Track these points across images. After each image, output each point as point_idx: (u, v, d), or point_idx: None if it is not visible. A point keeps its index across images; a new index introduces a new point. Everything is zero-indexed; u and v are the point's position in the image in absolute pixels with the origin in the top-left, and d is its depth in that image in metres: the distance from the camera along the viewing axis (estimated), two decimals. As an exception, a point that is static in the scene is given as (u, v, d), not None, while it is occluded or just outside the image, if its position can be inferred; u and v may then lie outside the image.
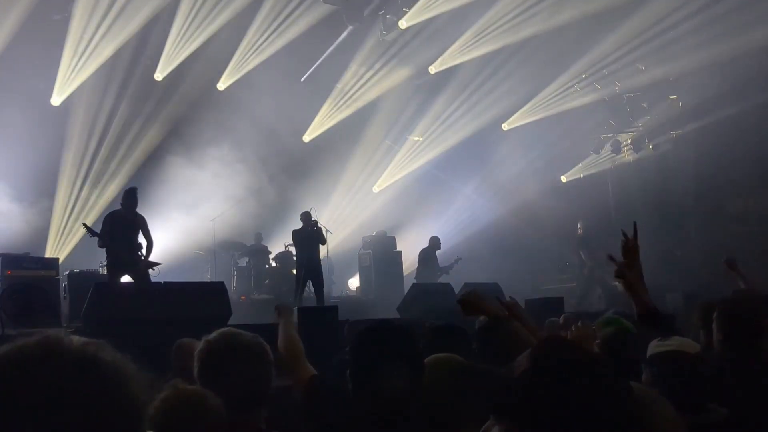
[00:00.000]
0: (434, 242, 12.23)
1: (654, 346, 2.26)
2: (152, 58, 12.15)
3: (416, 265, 12.14)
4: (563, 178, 16.70)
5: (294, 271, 12.42)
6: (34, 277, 8.26)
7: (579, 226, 12.88)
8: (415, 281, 11.42)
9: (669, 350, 2.20)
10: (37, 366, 0.82)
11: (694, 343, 2.31)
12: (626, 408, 1.18)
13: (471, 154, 15.35)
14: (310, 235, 10.17)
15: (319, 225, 10.32)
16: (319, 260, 10.40)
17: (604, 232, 12.23)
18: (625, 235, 2.64)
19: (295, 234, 10.39)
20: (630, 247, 2.62)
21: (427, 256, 12.00)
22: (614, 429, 1.14)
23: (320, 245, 10.37)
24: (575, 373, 1.17)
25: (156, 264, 7.88)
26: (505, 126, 15.46)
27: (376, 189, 15.70)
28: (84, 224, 7.77)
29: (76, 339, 0.87)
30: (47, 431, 0.77)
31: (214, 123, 12.95)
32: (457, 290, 9.00)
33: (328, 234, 11.75)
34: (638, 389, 1.75)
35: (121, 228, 7.63)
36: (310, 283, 10.31)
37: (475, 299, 2.54)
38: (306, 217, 10.31)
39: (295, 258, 12.60)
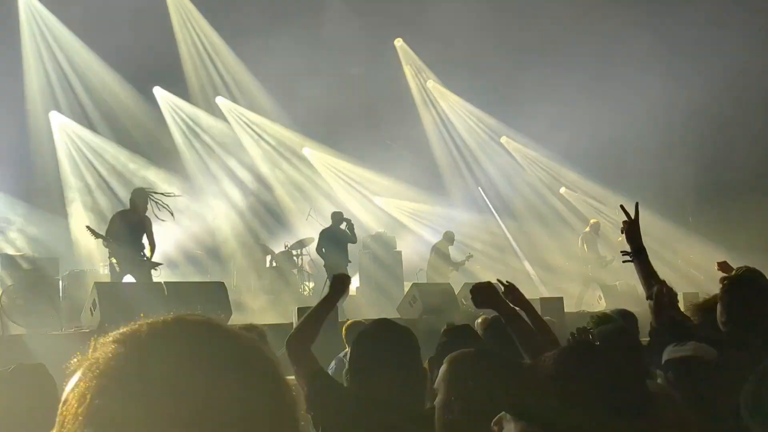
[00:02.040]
0: (448, 236, 12.06)
1: (670, 351, 2.24)
2: (156, 56, 12.15)
3: (428, 258, 11.92)
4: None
5: (295, 271, 12.45)
6: (34, 277, 8.25)
7: (591, 222, 12.89)
8: (418, 274, 11.38)
9: (685, 356, 2.18)
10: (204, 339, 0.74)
11: (711, 349, 2.26)
12: (648, 414, 1.19)
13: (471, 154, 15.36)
14: (338, 235, 9.94)
15: (352, 223, 10.02)
16: (347, 261, 10.10)
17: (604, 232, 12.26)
18: (627, 213, 2.70)
19: (323, 234, 10.14)
20: (631, 227, 2.69)
21: (440, 249, 11.87)
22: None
23: (349, 245, 10.08)
24: (601, 380, 1.18)
25: (158, 264, 7.90)
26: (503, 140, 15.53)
27: (376, 193, 15.68)
28: (88, 227, 7.71)
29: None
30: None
31: (213, 124, 12.96)
32: (457, 290, 9.01)
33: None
34: (657, 390, 1.75)
35: (128, 228, 7.65)
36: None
37: (490, 291, 2.52)
38: (337, 216, 10.09)
39: (294, 256, 12.60)
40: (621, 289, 11.29)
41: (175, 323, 0.76)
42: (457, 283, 9.73)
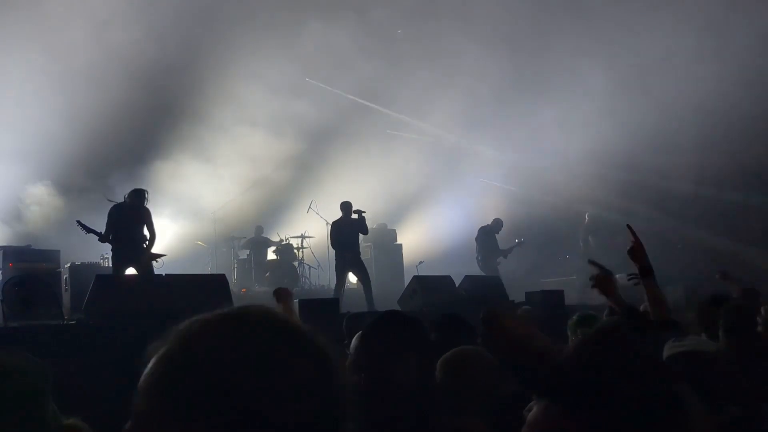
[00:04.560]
0: (497, 223, 11.97)
1: (669, 347, 2.24)
2: (155, 48, 12.12)
3: (476, 246, 11.79)
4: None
5: (296, 264, 12.47)
6: (35, 269, 8.27)
7: (587, 216, 13.01)
8: (419, 266, 11.37)
9: (686, 351, 2.18)
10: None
11: (711, 343, 2.30)
12: (678, 407, 1.19)
13: (471, 151, 15.34)
14: (350, 226, 9.74)
15: (363, 214, 9.74)
16: (359, 252, 9.96)
17: (606, 227, 12.26)
18: (633, 233, 2.72)
19: (334, 225, 9.94)
20: (637, 248, 2.70)
21: (489, 235, 11.75)
22: (658, 421, 1.16)
23: (360, 235, 9.90)
24: (629, 366, 1.19)
25: (159, 256, 7.89)
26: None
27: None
28: (78, 221, 7.63)
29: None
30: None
31: (215, 117, 12.94)
32: (457, 283, 9.01)
33: (328, 226, 11.73)
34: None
35: (126, 220, 7.63)
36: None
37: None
38: (346, 206, 9.83)
39: (295, 248, 12.61)
40: (621, 282, 11.27)
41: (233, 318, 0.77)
42: (458, 275, 9.71)
